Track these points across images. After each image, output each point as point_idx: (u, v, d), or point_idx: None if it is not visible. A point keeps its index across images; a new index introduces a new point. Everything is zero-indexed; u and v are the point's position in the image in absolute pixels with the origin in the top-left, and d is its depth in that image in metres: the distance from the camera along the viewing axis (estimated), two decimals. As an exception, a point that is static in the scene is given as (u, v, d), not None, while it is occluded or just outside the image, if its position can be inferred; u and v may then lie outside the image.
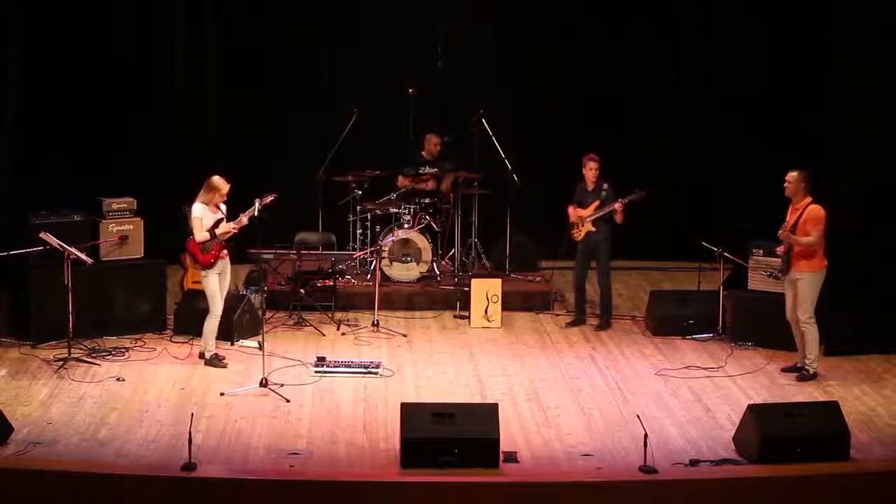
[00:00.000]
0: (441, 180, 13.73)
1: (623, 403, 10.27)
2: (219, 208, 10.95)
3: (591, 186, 12.24)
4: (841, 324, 11.43)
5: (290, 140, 14.51)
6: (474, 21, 14.45)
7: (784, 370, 11.01)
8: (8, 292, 12.02)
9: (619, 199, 12.05)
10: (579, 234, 12.30)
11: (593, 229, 12.20)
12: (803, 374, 10.81)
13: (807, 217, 10.55)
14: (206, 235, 10.84)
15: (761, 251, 11.81)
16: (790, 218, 10.68)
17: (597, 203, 12.17)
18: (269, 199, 10.88)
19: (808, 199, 10.61)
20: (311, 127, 14.41)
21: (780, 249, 10.84)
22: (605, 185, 12.19)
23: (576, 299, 12.60)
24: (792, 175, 10.64)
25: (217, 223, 10.90)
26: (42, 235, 11.08)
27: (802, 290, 10.66)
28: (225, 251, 10.99)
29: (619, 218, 12.09)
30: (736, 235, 12.10)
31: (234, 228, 10.89)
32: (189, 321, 11.73)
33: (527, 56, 14.61)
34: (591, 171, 12.20)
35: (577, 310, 12.60)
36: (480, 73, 14.40)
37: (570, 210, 12.31)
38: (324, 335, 12.09)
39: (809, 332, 10.71)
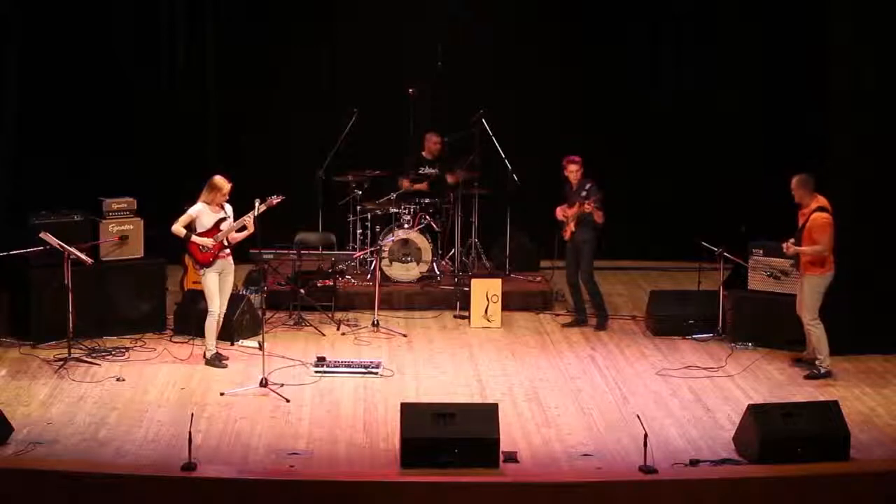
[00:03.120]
0: (443, 178, 13.71)
1: (623, 403, 10.27)
2: (222, 208, 10.97)
3: (574, 186, 12.24)
4: (841, 324, 11.43)
5: (290, 140, 14.51)
6: (474, 21, 14.46)
7: (796, 361, 11.08)
8: (8, 292, 12.02)
9: (583, 196, 12.01)
10: (567, 234, 12.31)
11: (574, 231, 12.20)
12: (813, 374, 10.84)
13: (811, 225, 10.57)
14: (182, 231, 10.84)
15: (761, 251, 11.81)
16: (800, 222, 10.73)
17: (577, 203, 12.17)
18: (276, 200, 10.87)
19: (815, 205, 10.62)
20: (311, 127, 14.40)
21: (786, 247, 10.83)
22: (588, 185, 12.15)
23: (573, 299, 12.60)
24: (794, 182, 10.69)
25: (219, 223, 10.91)
26: (42, 235, 11.07)
27: (806, 291, 10.72)
28: (227, 251, 11.00)
29: (598, 218, 12.06)
30: (736, 235, 12.10)
31: (234, 228, 10.89)
32: (189, 321, 11.73)
33: (527, 56, 14.60)
34: (571, 173, 12.20)
35: (575, 309, 12.59)
36: (480, 73, 14.41)
37: (558, 210, 12.32)
38: (324, 335, 12.09)
39: (815, 334, 10.77)
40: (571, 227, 12.20)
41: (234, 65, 14.45)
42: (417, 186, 13.64)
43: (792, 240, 10.72)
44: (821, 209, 10.61)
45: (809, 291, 10.70)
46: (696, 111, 14.64)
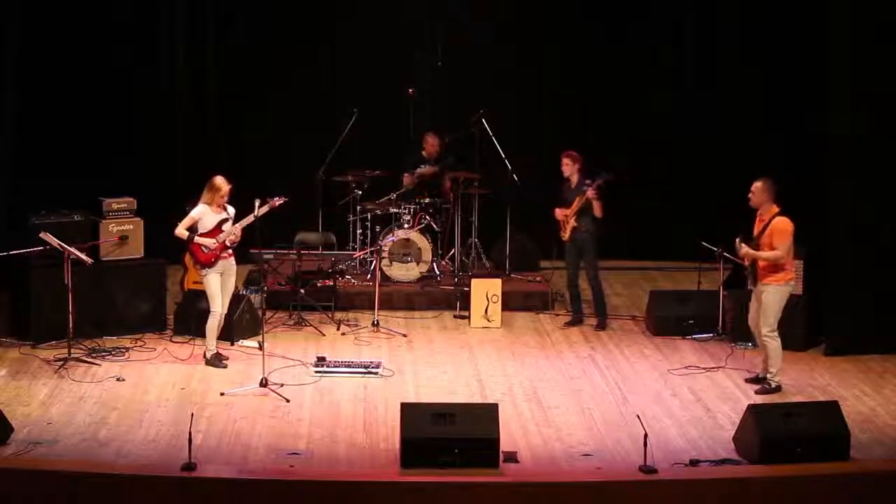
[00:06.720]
0: (443, 176, 13.72)
1: (623, 403, 10.27)
2: (224, 209, 10.96)
3: (573, 184, 12.24)
4: (841, 324, 11.44)
5: (290, 140, 14.52)
6: (474, 21, 14.46)
7: (748, 381, 10.75)
8: (8, 292, 12.02)
9: (587, 185, 11.97)
10: (566, 234, 12.30)
11: (576, 225, 12.19)
12: (765, 388, 10.49)
13: (772, 229, 10.20)
14: (185, 234, 10.84)
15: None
16: (756, 228, 10.41)
17: (577, 199, 12.17)
18: (279, 202, 10.86)
19: (775, 210, 10.29)
20: (311, 127, 14.41)
21: (741, 253, 10.46)
22: (588, 181, 12.14)
23: (571, 299, 12.60)
24: (756, 185, 10.34)
25: (221, 223, 10.91)
26: (42, 235, 11.07)
27: (766, 302, 10.33)
28: (229, 251, 11.00)
29: (597, 210, 12.05)
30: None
31: (236, 229, 10.89)
32: (189, 321, 11.74)
33: (527, 56, 14.61)
34: (565, 166, 12.20)
35: (573, 309, 12.59)
36: (480, 73, 14.41)
37: (557, 211, 12.32)
38: (324, 335, 12.09)
39: (771, 347, 10.38)
40: (572, 223, 12.17)
41: (234, 65, 14.45)
42: (423, 171, 13.57)
43: (740, 241, 10.37)
44: (781, 214, 10.22)
45: (771, 301, 10.28)
46: (697, 111, 14.63)
